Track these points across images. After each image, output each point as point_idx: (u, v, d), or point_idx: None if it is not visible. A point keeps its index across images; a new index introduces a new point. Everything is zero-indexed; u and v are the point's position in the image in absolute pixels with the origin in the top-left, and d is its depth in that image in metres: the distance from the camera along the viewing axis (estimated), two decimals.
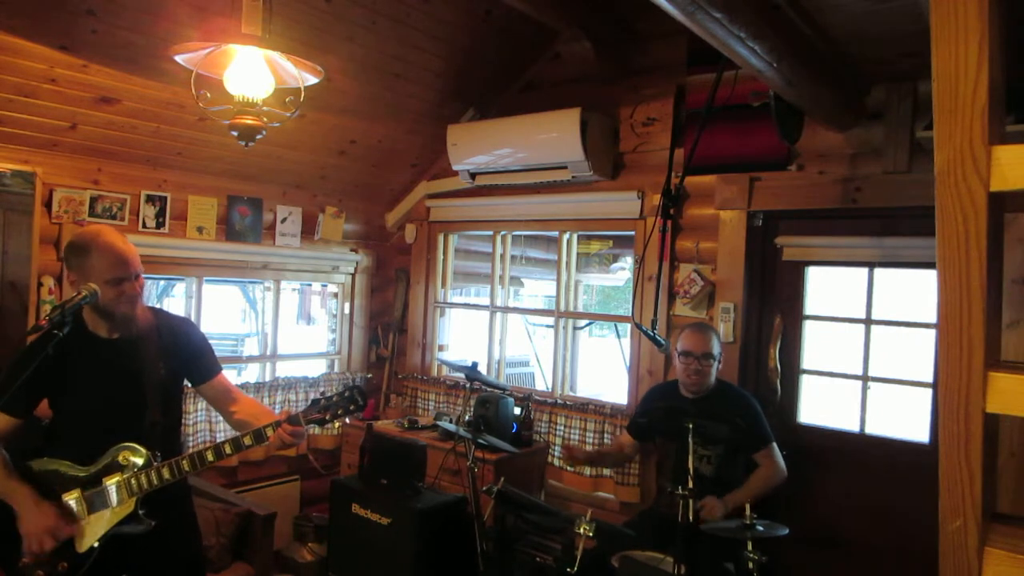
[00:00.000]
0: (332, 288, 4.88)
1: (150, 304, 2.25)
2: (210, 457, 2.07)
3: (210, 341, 2.40)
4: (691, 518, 2.53)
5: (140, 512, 2.05)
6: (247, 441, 2.06)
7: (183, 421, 3.73)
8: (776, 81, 2.41)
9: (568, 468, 3.94)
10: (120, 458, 2.06)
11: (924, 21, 1.04)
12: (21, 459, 2.09)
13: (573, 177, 3.83)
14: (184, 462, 2.05)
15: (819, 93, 2.66)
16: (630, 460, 3.58)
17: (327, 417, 2.10)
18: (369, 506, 3.51)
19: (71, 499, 2.05)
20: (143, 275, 2.15)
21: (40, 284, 3.27)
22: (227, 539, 3.16)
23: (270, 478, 4.28)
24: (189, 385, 2.34)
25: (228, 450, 2.07)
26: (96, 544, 2.03)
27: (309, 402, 2.15)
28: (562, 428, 4.00)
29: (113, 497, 2.04)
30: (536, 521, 3.05)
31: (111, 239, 2.06)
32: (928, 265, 2.85)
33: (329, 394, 2.14)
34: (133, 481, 2.04)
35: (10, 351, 2.99)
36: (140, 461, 2.06)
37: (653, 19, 3.51)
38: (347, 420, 3.41)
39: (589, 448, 3.79)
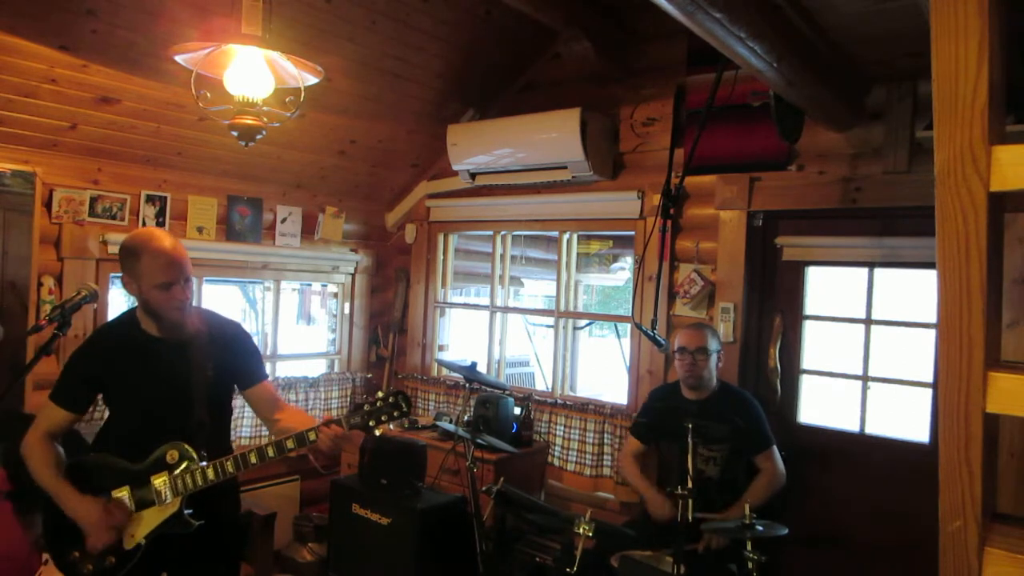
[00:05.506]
0: (332, 288, 4.88)
1: (199, 306, 2.26)
2: (253, 459, 2.07)
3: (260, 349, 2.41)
4: (690, 519, 2.53)
5: (185, 512, 2.07)
6: (289, 444, 2.05)
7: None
8: (776, 81, 2.41)
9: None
10: (167, 457, 2.08)
11: (924, 21, 1.04)
12: (76, 455, 2.14)
13: (573, 177, 3.83)
14: (228, 463, 2.06)
15: (819, 93, 2.65)
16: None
17: (372, 423, 2.06)
18: (369, 506, 3.51)
19: (120, 495, 2.08)
20: (192, 278, 2.16)
21: (40, 284, 3.27)
22: None
23: (270, 478, 4.27)
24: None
25: (271, 453, 2.07)
26: (143, 541, 2.06)
27: (352, 406, 2.14)
28: (562, 428, 4.01)
29: (160, 495, 2.06)
30: (536, 521, 3.05)
31: (162, 243, 2.08)
32: (928, 265, 2.85)
33: (372, 400, 2.10)
34: (179, 481, 2.06)
35: (10, 351, 3.00)
36: (187, 461, 2.07)
37: (653, 19, 3.52)
38: (391, 426, 3.35)
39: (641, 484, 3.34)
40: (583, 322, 4.51)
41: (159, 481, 2.06)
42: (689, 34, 2.23)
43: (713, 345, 3.10)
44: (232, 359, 2.26)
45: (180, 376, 2.13)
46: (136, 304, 2.16)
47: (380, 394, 2.08)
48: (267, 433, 3.86)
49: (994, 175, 0.98)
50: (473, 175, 4.24)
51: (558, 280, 4.24)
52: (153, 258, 2.05)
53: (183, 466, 2.06)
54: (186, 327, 2.16)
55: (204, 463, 2.07)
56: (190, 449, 2.08)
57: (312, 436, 2.03)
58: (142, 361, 2.13)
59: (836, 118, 3.00)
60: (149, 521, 2.07)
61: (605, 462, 3.82)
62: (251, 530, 3.23)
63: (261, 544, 3.20)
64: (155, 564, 2.10)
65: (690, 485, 2.53)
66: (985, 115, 0.97)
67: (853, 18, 2.27)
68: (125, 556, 2.06)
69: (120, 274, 2.13)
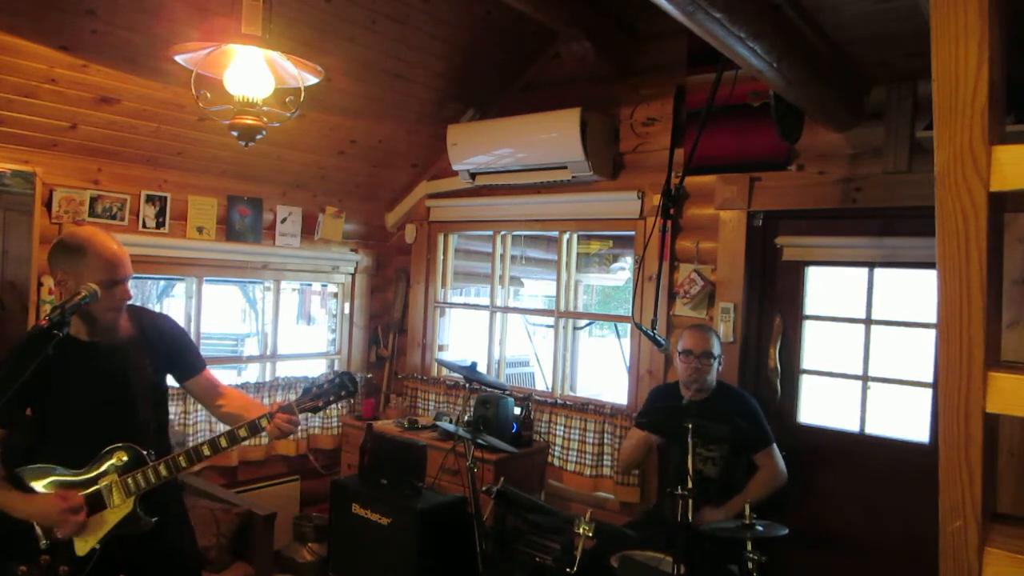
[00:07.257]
0: (332, 288, 4.88)
1: (135, 303, 2.23)
2: (206, 452, 2.07)
3: (192, 338, 2.39)
4: (691, 519, 2.52)
5: (139, 511, 2.05)
6: (242, 433, 2.07)
7: (184, 421, 3.76)
8: (776, 81, 2.41)
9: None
10: (115, 459, 2.05)
11: (924, 21, 1.04)
12: (12, 466, 2.06)
13: (573, 177, 3.83)
14: (181, 458, 2.05)
15: (819, 93, 2.66)
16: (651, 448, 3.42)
17: (320, 404, 2.13)
18: (369, 506, 3.51)
19: None
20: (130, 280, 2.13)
21: (40, 284, 3.27)
22: (227, 539, 3.16)
23: (270, 478, 4.28)
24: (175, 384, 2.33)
25: (224, 443, 2.07)
26: (97, 546, 2.03)
27: (301, 391, 2.16)
28: (562, 428, 4.01)
29: (111, 498, 2.04)
30: (536, 521, 3.05)
31: (107, 240, 2.04)
32: (928, 265, 2.85)
33: (320, 382, 2.16)
34: (130, 481, 2.03)
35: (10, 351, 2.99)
36: (135, 461, 2.05)
37: (653, 19, 3.52)
38: (339, 405, 3.45)
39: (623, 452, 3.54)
40: (583, 322, 4.51)
41: (109, 484, 2.03)
42: (689, 34, 2.23)
43: (717, 350, 3.11)
44: (169, 354, 2.24)
45: (120, 378, 2.10)
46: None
47: (327, 376, 2.11)
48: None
49: (994, 175, 0.98)
50: (473, 175, 4.24)
51: (558, 280, 4.24)
52: (99, 255, 2.00)
53: (133, 467, 2.04)
54: (119, 328, 2.12)
55: (154, 461, 2.05)
56: (137, 449, 2.05)
57: (264, 423, 2.06)
58: (77, 368, 2.06)
59: (836, 118, 3.00)
60: (103, 525, 2.04)
61: (605, 462, 3.82)
62: (251, 530, 3.23)
63: (261, 544, 3.20)
64: (110, 568, 2.05)
65: (690, 485, 2.53)
66: (985, 115, 0.96)
67: (853, 18, 2.27)
68: (79, 563, 2.01)
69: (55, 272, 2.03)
